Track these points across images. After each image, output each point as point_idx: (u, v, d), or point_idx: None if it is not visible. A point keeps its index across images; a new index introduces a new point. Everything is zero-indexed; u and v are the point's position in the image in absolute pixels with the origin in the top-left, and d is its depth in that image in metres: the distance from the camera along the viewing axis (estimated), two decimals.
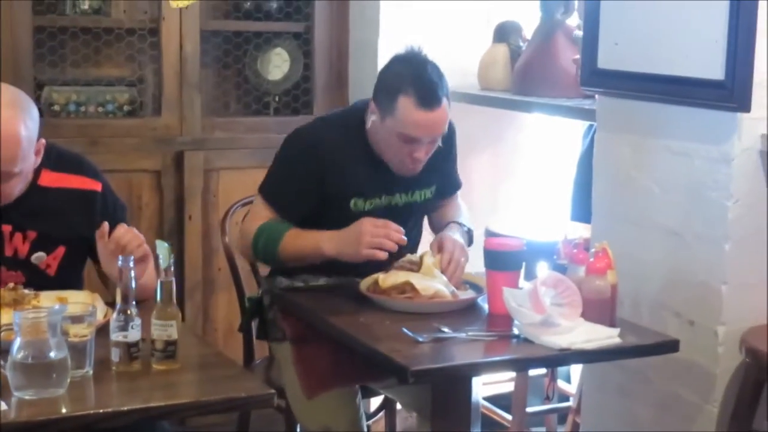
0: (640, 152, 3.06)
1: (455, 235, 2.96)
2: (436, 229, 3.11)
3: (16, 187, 2.60)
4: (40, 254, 2.70)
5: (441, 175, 3.09)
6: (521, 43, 4.02)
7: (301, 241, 2.87)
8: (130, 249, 2.50)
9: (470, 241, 3.05)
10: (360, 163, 2.94)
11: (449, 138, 3.03)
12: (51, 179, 2.69)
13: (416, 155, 2.89)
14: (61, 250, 2.73)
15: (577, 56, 3.39)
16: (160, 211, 3.91)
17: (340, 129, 2.97)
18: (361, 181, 2.93)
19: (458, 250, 2.89)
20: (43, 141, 2.64)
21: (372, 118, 2.91)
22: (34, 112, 2.61)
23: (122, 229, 2.55)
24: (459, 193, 3.22)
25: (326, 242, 2.82)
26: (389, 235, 2.75)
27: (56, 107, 3.82)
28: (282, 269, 3.00)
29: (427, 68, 2.88)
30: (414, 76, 2.84)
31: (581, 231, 3.39)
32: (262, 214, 2.94)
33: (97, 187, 2.76)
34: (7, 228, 2.67)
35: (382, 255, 2.75)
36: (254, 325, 3.15)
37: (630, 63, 3.01)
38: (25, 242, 2.68)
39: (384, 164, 2.95)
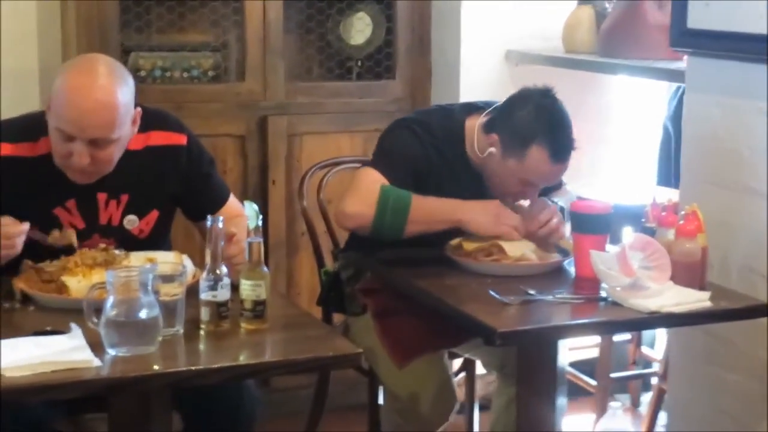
0: (731, 113, 3.00)
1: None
2: None
3: (115, 156, 2.62)
4: (132, 218, 2.73)
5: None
6: (606, 5, 3.96)
7: (432, 203, 2.81)
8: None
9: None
10: (456, 181, 2.91)
11: None
12: (138, 141, 2.71)
13: (526, 195, 2.88)
14: (154, 215, 2.76)
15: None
16: (245, 176, 3.93)
17: (441, 143, 2.90)
18: (455, 197, 2.87)
19: (548, 212, 2.85)
20: (139, 110, 2.67)
21: (490, 150, 2.84)
22: (130, 80, 2.64)
23: (235, 249, 2.47)
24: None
25: (464, 208, 2.79)
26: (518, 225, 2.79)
27: (142, 73, 3.86)
28: (357, 242, 3.01)
29: (564, 120, 2.82)
30: (552, 127, 2.79)
31: (668, 195, 3.34)
32: (375, 177, 2.83)
33: (182, 140, 2.78)
34: (102, 196, 2.70)
35: (517, 236, 2.77)
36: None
37: (721, 22, 2.95)
38: (119, 207, 2.72)
39: (479, 182, 2.92)
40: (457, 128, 2.93)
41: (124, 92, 2.57)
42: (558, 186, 3.11)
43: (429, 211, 2.80)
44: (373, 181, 2.81)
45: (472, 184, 2.92)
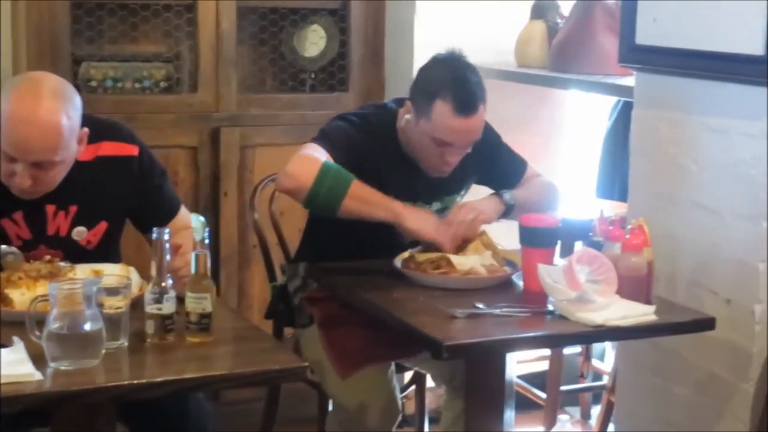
0: (678, 129, 3.03)
1: (473, 201, 2.97)
2: None
3: (59, 176, 2.60)
4: (81, 229, 2.71)
5: (498, 173, 3.11)
6: (558, 20, 3.99)
7: (372, 192, 2.81)
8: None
9: (506, 211, 3.00)
10: (393, 170, 2.94)
11: (489, 140, 3.01)
12: (89, 151, 2.69)
13: (448, 158, 2.90)
14: (102, 226, 2.74)
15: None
16: (196, 187, 3.91)
17: (376, 133, 2.95)
18: (394, 186, 2.92)
19: (462, 211, 2.88)
20: (86, 130, 2.64)
21: (406, 117, 2.91)
22: (77, 101, 2.61)
23: (181, 261, 2.44)
24: (534, 173, 3.20)
25: (404, 210, 2.81)
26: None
27: (93, 83, 3.84)
28: (306, 255, 3.02)
29: (467, 73, 2.86)
30: (453, 81, 2.82)
31: (608, 208, 3.36)
32: (318, 149, 2.84)
33: (134, 151, 2.76)
34: (50, 208, 2.68)
35: (453, 249, 2.81)
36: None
37: (668, 39, 2.97)
38: (67, 218, 2.70)
39: (416, 170, 2.95)
40: (390, 117, 2.99)
41: (69, 115, 2.54)
42: (516, 176, 3.14)
43: (369, 193, 2.80)
44: (318, 151, 2.83)
45: (405, 171, 2.95)
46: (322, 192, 2.75)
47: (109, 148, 2.74)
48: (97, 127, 2.69)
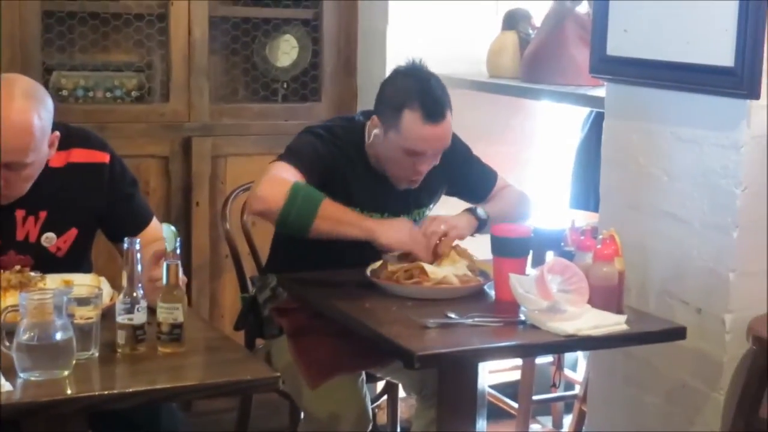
0: (649, 139, 3.05)
1: (446, 216, 2.97)
2: None
3: (29, 179, 2.59)
4: (50, 235, 2.70)
5: (469, 185, 3.13)
6: (530, 31, 4.01)
7: (343, 211, 2.81)
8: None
9: (480, 226, 3.00)
10: (361, 183, 2.95)
11: (459, 152, 3.03)
12: (60, 158, 2.68)
13: (419, 168, 2.92)
14: (72, 233, 2.73)
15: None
16: (168, 197, 3.90)
17: (343, 146, 2.96)
18: (362, 199, 2.93)
19: (435, 222, 2.88)
20: (57, 133, 2.64)
21: (374, 132, 2.92)
22: (49, 103, 2.60)
23: (158, 272, 2.41)
24: (505, 184, 3.22)
25: (376, 225, 2.81)
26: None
27: (64, 92, 3.82)
28: (275, 266, 3.02)
29: (431, 82, 2.89)
30: (419, 90, 2.85)
31: (580, 218, 3.38)
32: (287, 168, 2.84)
33: (105, 158, 2.76)
34: (20, 213, 2.67)
35: (429, 258, 2.80)
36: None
37: (639, 50, 3.00)
38: (36, 224, 2.68)
39: (384, 183, 2.97)
40: (357, 129, 3.00)
41: (41, 116, 2.54)
42: (486, 187, 3.16)
43: (340, 212, 2.81)
44: (287, 170, 2.83)
45: (373, 184, 2.97)
46: (293, 213, 2.76)
47: (80, 155, 2.73)
48: (68, 134, 2.69)
